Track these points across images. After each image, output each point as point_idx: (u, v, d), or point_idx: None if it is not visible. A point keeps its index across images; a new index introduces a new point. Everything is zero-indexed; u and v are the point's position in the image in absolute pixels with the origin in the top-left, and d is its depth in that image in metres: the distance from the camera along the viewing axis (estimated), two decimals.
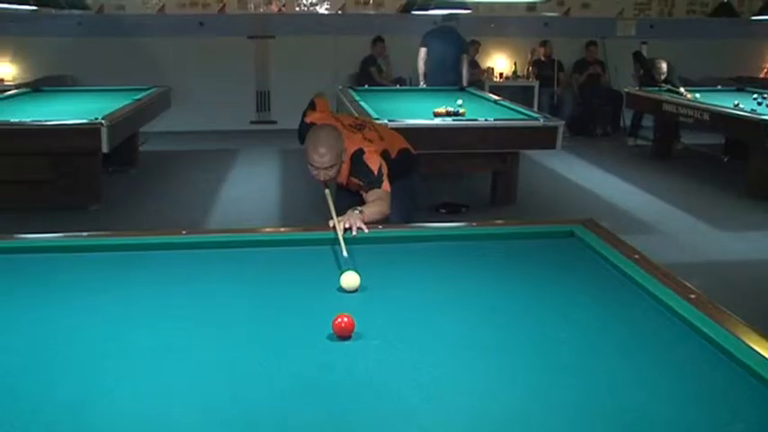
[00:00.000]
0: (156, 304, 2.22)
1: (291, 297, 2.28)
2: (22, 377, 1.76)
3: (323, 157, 3.07)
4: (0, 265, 2.51)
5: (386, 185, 3.19)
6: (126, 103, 6.53)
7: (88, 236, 2.77)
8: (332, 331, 1.94)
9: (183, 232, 2.80)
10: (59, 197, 5.90)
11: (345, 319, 1.94)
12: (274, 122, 9.94)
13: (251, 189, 6.86)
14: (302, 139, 3.41)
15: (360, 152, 3.24)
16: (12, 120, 5.59)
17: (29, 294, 2.28)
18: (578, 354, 1.89)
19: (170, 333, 2.01)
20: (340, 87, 7.92)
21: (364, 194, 3.19)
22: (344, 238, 2.60)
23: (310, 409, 1.60)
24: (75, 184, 5.90)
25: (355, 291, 2.28)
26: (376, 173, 3.19)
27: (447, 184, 6.73)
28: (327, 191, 3.06)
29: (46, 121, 5.55)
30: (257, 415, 1.58)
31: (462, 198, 6.30)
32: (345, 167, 3.26)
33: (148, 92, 7.41)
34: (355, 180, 3.27)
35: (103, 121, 5.39)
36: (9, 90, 7.90)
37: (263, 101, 10.08)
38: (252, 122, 10.06)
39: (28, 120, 5.59)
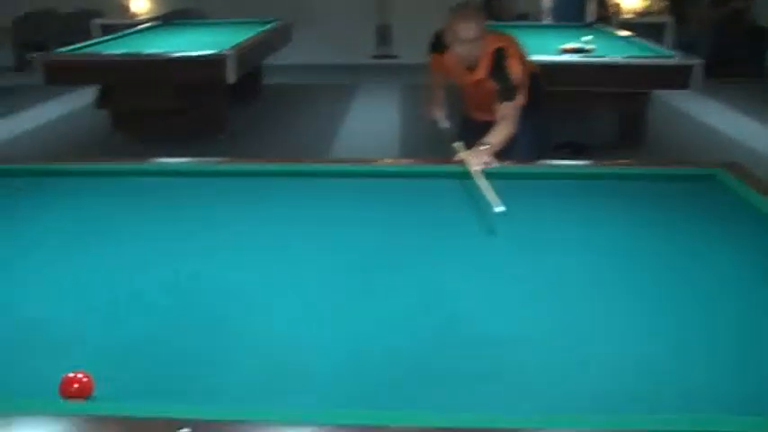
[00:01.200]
0: (285, 230, 2.25)
1: (418, 226, 2.26)
2: (156, 294, 1.83)
3: (469, 24, 2.97)
4: (133, 185, 2.63)
5: (520, 99, 3.06)
6: (250, 35, 6.62)
7: (218, 162, 2.84)
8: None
9: (307, 161, 2.83)
10: (188, 126, 6.12)
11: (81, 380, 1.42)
12: (395, 57, 9.85)
13: (370, 124, 6.86)
14: (435, 48, 3.33)
15: (502, 51, 3.09)
16: (145, 51, 5.78)
17: (160, 214, 2.38)
18: (715, 302, 1.77)
19: (303, 258, 2.04)
20: None
21: (496, 108, 3.04)
22: (485, 177, 2.46)
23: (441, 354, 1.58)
24: (202, 114, 6.09)
25: None
26: (514, 80, 3.05)
27: (571, 123, 6.47)
28: (458, 144, 2.89)
29: (175, 52, 5.71)
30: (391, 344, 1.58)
31: (587, 138, 6.06)
32: (486, 63, 3.11)
33: (271, 25, 7.47)
34: (492, 84, 3.09)
35: (229, 53, 5.49)
36: (142, 23, 8.17)
37: (384, 35, 9.98)
38: (373, 57, 10.00)
39: (159, 51, 5.77)
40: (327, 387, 1.44)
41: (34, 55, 5.77)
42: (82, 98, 7.73)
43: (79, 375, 1.40)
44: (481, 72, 3.14)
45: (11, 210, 2.44)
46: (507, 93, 3.04)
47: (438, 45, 3.26)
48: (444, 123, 3.47)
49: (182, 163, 2.83)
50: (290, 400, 1.38)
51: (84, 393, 1.38)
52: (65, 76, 5.86)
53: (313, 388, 1.44)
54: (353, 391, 1.43)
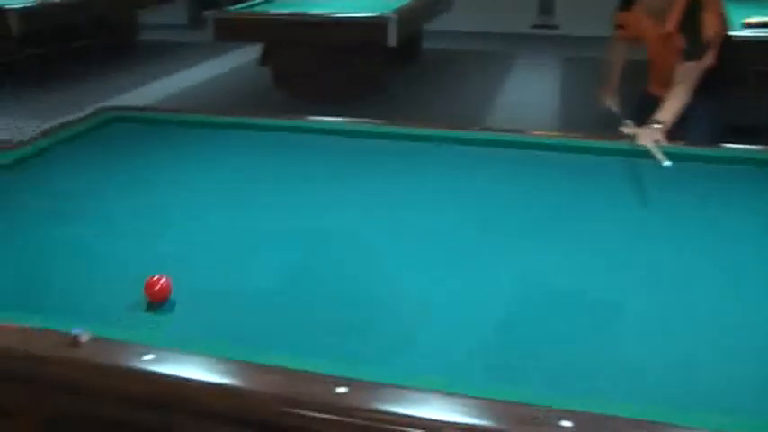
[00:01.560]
0: (435, 197, 2.21)
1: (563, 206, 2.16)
2: (315, 252, 1.86)
3: None
4: (296, 142, 2.69)
5: (706, 60, 2.79)
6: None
7: (373, 123, 2.84)
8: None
9: (477, 127, 2.77)
10: (346, 87, 6.21)
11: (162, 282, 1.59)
12: (556, 27, 9.51)
13: (527, 95, 6.68)
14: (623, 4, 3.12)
15: (698, 3, 2.79)
16: (309, 12, 5.90)
17: (321, 171, 2.41)
18: None
19: (450, 229, 2.00)
20: None
21: (676, 68, 2.80)
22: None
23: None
24: (361, 75, 6.15)
25: None
26: (705, 36, 2.76)
27: (746, 104, 5.99)
28: (628, 121, 2.71)
29: (338, 13, 5.78)
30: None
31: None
32: (677, 13, 2.82)
33: None
34: (680, 40, 2.81)
35: (392, 15, 5.49)
36: None
37: (546, 4, 9.66)
38: (533, 27, 9.71)
39: (323, 11, 5.85)
40: (463, 359, 1.40)
41: (207, 12, 6.04)
42: (247, 55, 8.04)
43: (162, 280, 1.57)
44: (671, 23, 2.85)
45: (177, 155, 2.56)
46: (694, 51, 2.76)
47: (626, 1, 3.05)
48: (615, 108, 3.24)
49: (338, 122, 2.86)
50: (428, 369, 1.35)
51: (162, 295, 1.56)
52: (233, 33, 6.09)
53: (449, 360, 1.40)
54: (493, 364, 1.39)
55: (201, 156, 2.60)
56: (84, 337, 1.34)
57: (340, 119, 2.89)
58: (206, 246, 1.90)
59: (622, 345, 1.46)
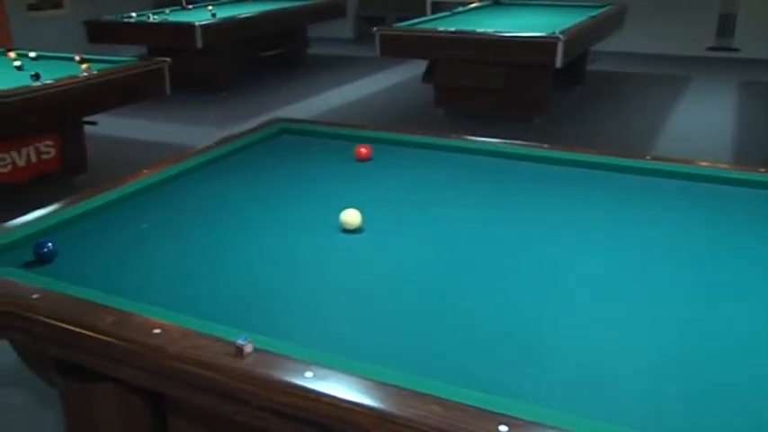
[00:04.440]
0: (599, 226, 2.10)
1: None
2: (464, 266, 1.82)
3: None
4: (458, 161, 2.67)
5: None
6: (581, 19, 6.41)
7: (534, 147, 2.76)
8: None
9: (648, 157, 2.63)
10: (507, 107, 6.14)
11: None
12: (736, 50, 8.93)
13: (700, 122, 6.29)
14: None
15: None
16: (476, 30, 5.88)
17: (480, 192, 2.37)
18: None
19: (618, 259, 1.89)
20: None
21: None
22: None
23: None
24: (524, 96, 6.06)
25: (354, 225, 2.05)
26: None
27: None
28: None
29: (505, 32, 5.72)
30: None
31: None
32: None
33: (604, 9, 7.17)
34: None
35: (560, 36, 5.36)
36: (473, 2, 8.34)
37: (725, 25, 9.10)
38: (708, 48, 9.17)
39: (490, 30, 5.82)
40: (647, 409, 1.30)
41: (375, 28, 6.18)
42: (410, 71, 8.15)
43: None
44: None
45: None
46: None
47: None
48: None
49: (498, 144, 2.80)
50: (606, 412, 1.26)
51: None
52: (399, 49, 6.20)
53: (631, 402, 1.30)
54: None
55: (364, 172, 2.63)
56: (248, 348, 1.37)
57: (500, 140, 2.84)
58: (367, 263, 1.91)
59: None
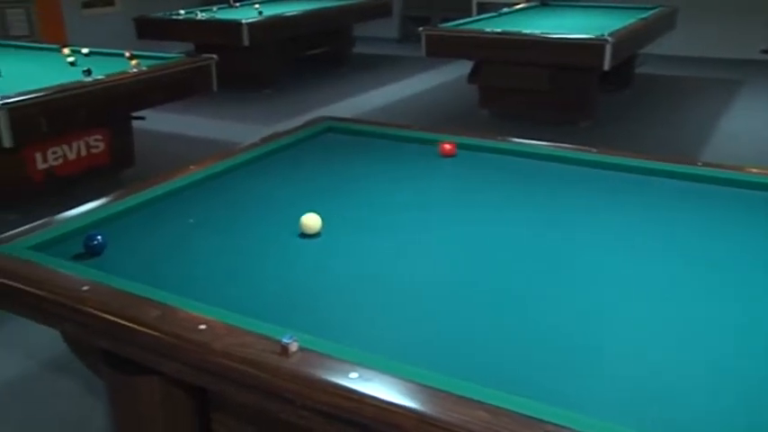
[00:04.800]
0: (649, 232, 2.06)
1: None
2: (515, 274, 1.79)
3: None
4: (503, 163, 2.63)
5: None
6: (630, 21, 6.31)
7: (581, 150, 2.71)
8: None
9: (699, 163, 2.57)
10: (553, 109, 6.07)
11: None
12: None
13: (753, 127, 6.14)
14: None
15: None
16: (523, 31, 5.82)
17: (528, 195, 2.33)
18: None
19: (668, 266, 1.84)
20: None
21: None
22: None
23: None
24: (570, 98, 5.99)
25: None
26: None
27: None
28: None
29: (552, 34, 5.65)
30: None
31: None
32: None
33: (655, 11, 7.04)
34: None
35: (609, 38, 5.28)
36: (519, 3, 8.27)
37: None
38: (762, 51, 8.94)
39: (536, 32, 5.76)
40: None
41: (421, 28, 6.16)
42: (455, 72, 8.11)
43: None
44: None
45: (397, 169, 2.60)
46: None
47: None
48: None
49: (543, 146, 2.76)
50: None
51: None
52: (444, 49, 6.17)
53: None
54: None
55: (409, 173, 2.62)
56: (294, 347, 1.37)
57: (546, 143, 2.80)
58: (413, 263, 1.90)
59: None
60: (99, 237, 1.93)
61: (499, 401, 1.24)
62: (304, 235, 2.02)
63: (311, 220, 2.03)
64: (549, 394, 1.30)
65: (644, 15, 6.72)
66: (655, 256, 1.92)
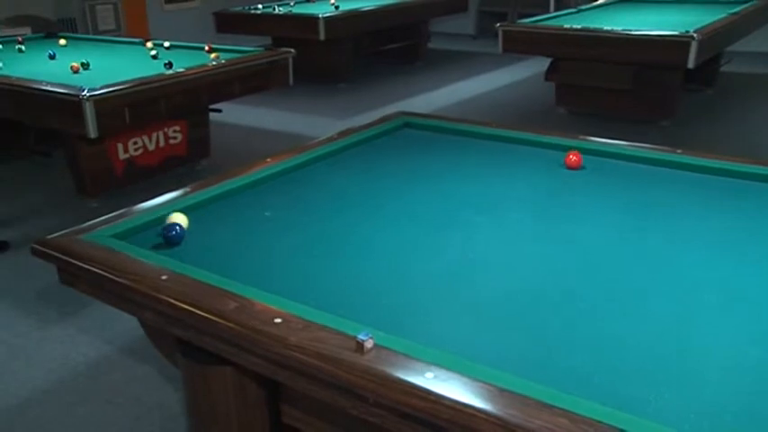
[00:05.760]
0: (737, 238, 1.96)
1: None
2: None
3: None
4: (592, 165, 2.56)
5: None
6: (719, 17, 6.06)
7: (663, 150, 2.61)
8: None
9: None
10: (632, 108, 5.90)
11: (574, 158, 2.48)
12: None
13: None
14: None
15: None
16: (603, 27, 5.67)
17: (609, 196, 2.26)
18: None
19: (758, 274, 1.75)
20: None
21: None
22: None
23: None
24: (651, 97, 5.80)
25: None
26: None
27: None
28: None
29: (635, 30, 5.48)
30: None
31: None
32: None
33: (747, 5, 6.73)
34: None
35: (695, 35, 5.08)
36: None
37: None
38: None
39: (618, 28, 5.59)
40: None
41: (498, 24, 6.07)
42: (531, 69, 7.98)
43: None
44: None
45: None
46: None
47: None
48: None
49: (622, 146, 2.66)
50: None
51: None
52: (521, 45, 6.06)
53: None
54: None
55: (488, 171, 2.57)
56: (369, 344, 1.35)
57: (627, 143, 2.70)
58: (490, 265, 1.86)
59: None
60: (178, 227, 1.95)
61: (580, 409, 1.19)
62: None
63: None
64: (633, 404, 1.25)
65: (735, 10, 6.44)
66: (746, 263, 1.82)
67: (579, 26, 5.79)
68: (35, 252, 1.90)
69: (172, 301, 1.60)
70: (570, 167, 2.52)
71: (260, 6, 7.91)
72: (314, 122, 6.30)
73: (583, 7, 7.25)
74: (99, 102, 3.81)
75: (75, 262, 1.82)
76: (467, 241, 1.98)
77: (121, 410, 2.66)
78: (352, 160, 2.66)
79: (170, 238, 1.94)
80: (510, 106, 6.77)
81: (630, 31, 5.48)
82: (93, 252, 1.84)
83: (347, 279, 1.77)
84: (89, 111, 3.78)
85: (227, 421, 1.73)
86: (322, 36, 6.95)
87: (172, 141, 4.85)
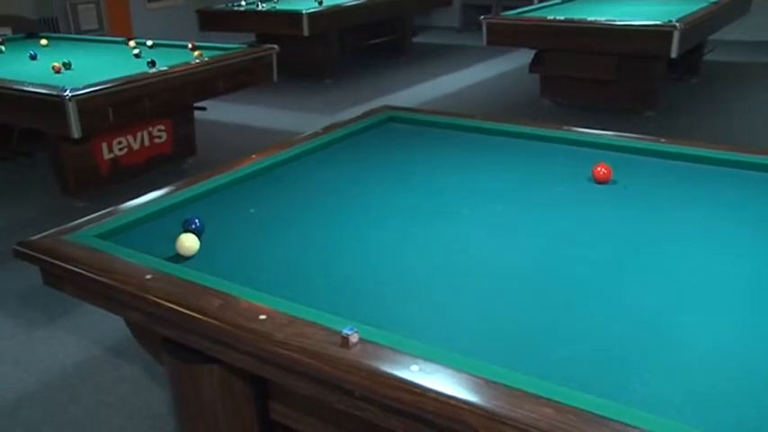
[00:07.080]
0: (722, 226, 1.97)
1: None
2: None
3: None
4: (567, 153, 2.56)
5: None
6: (701, 6, 6.09)
7: (646, 140, 2.62)
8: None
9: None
10: (616, 98, 5.93)
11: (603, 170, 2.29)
12: None
13: None
14: None
15: None
16: (587, 18, 5.68)
17: (595, 187, 2.27)
18: None
19: (746, 262, 1.76)
20: None
21: None
22: None
23: None
24: (634, 87, 5.82)
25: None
26: None
27: None
28: None
29: (618, 21, 5.50)
30: None
31: None
32: None
33: None
34: None
35: (677, 24, 5.11)
36: None
37: None
38: None
39: (601, 19, 5.60)
40: None
41: (482, 17, 6.08)
42: (515, 61, 7.99)
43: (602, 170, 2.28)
44: None
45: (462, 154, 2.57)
46: None
47: None
48: None
49: (608, 136, 2.68)
50: None
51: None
52: (505, 37, 6.07)
53: None
54: None
55: (473, 163, 2.57)
56: (354, 338, 1.35)
57: (612, 133, 2.71)
58: (476, 256, 1.86)
59: None
60: (197, 220, 1.94)
61: (565, 398, 1.20)
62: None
63: (186, 243, 1.87)
64: (618, 391, 1.25)
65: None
66: (735, 251, 1.83)
67: (562, 17, 5.80)
68: (18, 254, 1.89)
69: (157, 300, 1.59)
70: (598, 181, 2.31)
71: (243, 3, 7.88)
72: (300, 118, 6.29)
73: None
74: (82, 102, 3.79)
75: (60, 263, 1.81)
76: (452, 234, 1.98)
77: (112, 410, 2.66)
78: (338, 155, 2.66)
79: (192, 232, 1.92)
80: (495, 98, 6.78)
81: (613, 21, 5.50)
82: (78, 252, 1.83)
83: (331, 274, 1.77)
84: (72, 111, 3.75)
85: (215, 419, 1.72)
86: (306, 32, 6.94)
87: (157, 140, 4.83)
